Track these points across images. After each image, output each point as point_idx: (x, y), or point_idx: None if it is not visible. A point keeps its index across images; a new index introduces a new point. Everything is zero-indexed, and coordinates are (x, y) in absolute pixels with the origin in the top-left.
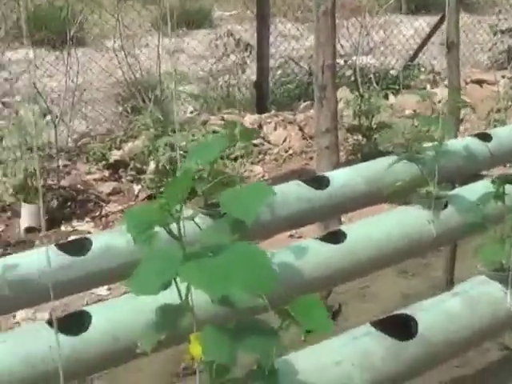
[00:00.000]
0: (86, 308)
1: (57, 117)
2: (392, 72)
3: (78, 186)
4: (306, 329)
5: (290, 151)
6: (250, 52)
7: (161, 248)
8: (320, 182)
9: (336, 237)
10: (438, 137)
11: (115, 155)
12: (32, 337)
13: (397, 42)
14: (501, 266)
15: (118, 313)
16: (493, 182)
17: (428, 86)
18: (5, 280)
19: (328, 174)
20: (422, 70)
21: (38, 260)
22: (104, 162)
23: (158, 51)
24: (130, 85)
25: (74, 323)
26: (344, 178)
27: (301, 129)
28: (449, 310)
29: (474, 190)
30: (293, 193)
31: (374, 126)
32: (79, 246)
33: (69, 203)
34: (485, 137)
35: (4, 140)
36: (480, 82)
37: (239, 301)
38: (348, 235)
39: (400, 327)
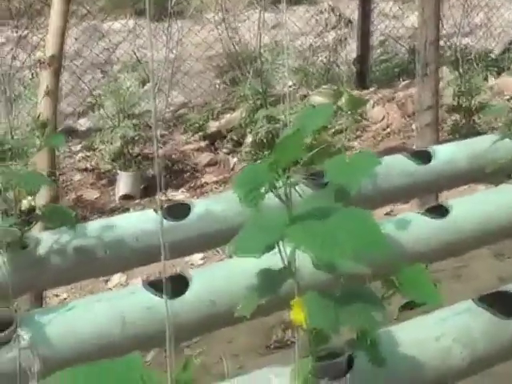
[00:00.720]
0: (183, 272)
1: (156, 84)
2: (492, 54)
3: (175, 156)
4: (413, 299)
5: (389, 129)
6: (351, 29)
7: (267, 210)
8: (423, 156)
9: (439, 211)
10: None
11: (213, 126)
12: (127, 297)
13: (498, 25)
14: None
15: (215, 277)
16: None
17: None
18: (102, 241)
19: (431, 148)
20: None
21: (135, 223)
22: (201, 133)
23: (258, 23)
24: (230, 56)
25: (173, 286)
26: (447, 154)
27: (400, 107)
28: None
29: None
30: (396, 166)
31: (474, 107)
32: (178, 211)
33: (165, 173)
34: None
35: (102, 108)
36: None
37: (344, 267)
38: (451, 210)
39: (503, 304)
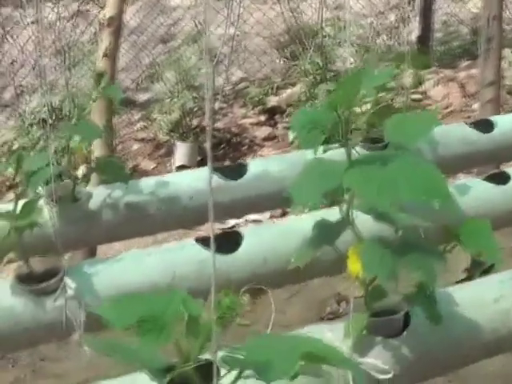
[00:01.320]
0: (238, 229)
1: (215, 56)
2: None
3: (233, 128)
4: (473, 253)
5: (450, 108)
6: (414, 8)
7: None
8: (485, 125)
9: (500, 178)
10: None
11: (272, 101)
12: (179, 251)
13: None
14: None
15: (269, 235)
16: None
17: None
18: (156, 198)
19: (493, 118)
20: None
21: (189, 181)
22: (260, 107)
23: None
24: (291, 31)
25: (226, 243)
26: (511, 123)
27: (462, 86)
28: None
29: None
30: (457, 134)
31: None
32: (235, 170)
33: (223, 145)
34: None
35: (162, 80)
36: None
37: (401, 217)
38: None
39: None
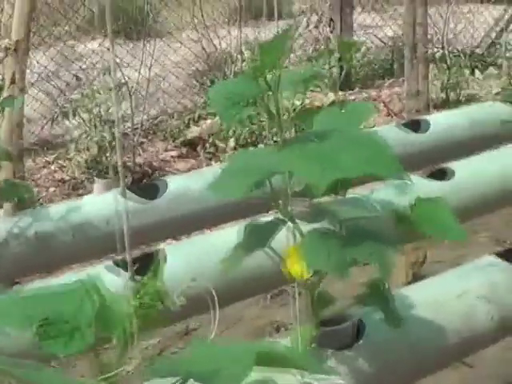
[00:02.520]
0: (160, 248)
1: (132, 87)
2: (478, 50)
3: (155, 163)
4: (433, 235)
5: (375, 128)
6: (333, 29)
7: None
8: (420, 126)
9: (443, 174)
10: None
11: (193, 132)
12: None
13: (482, 29)
14: None
15: (194, 252)
16: None
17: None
18: (68, 224)
19: (428, 116)
20: (510, 47)
21: (105, 204)
22: (181, 139)
23: (239, 35)
24: (209, 60)
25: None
26: (445, 121)
27: (385, 105)
28: None
29: None
30: (391, 136)
31: (463, 99)
32: (153, 189)
33: (144, 180)
34: None
35: (78, 115)
36: None
37: (345, 212)
38: (455, 173)
39: None
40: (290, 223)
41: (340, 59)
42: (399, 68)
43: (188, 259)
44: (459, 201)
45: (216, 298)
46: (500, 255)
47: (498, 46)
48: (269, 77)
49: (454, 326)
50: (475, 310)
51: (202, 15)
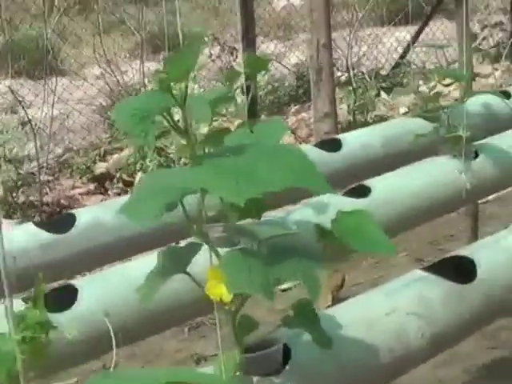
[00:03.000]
0: (72, 282)
1: (36, 125)
2: (383, 72)
3: (63, 201)
4: (360, 250)
5: None
6: (236, 58)
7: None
8: (332, 145)
9: (360, 191)
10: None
11: (100, 167)
12: None
13: (386, 50)
14: None
15: (108, 284)
16: None
17: (421, 82)
18: None
19: (339, 136)
20: (414, 67)
21: (14, 240)
22: (89, 176)
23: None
24: (113, 94)
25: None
26: (357, 139)
27: (293, 132)
28: (510, 247)
29: (505, 139)
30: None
31: (370, 121)
32: (61, 223)
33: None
34: (505, 94)
35: None
36: (473, 76)
37: (264, 232)
38: (373, 189)
39: (453, 271)
40: (206, 246)
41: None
42: (304, 94)
43: (101, 292)
44: (378, 217)
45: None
46: (427, 269)
47: (402, 67)
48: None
49: (385, 344)
50: (406, 328)
51: (104, 50)
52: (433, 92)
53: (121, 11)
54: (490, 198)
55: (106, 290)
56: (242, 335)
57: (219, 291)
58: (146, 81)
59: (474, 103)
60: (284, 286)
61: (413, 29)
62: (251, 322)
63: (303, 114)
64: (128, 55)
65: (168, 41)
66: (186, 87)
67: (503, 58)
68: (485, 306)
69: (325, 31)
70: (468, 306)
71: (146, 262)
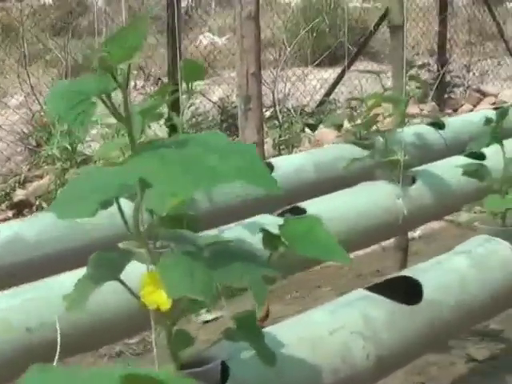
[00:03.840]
0: None
1: None
2: (307, 109)
3: None
4: (310, 256)
5: None
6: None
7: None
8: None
9: (294, 212)
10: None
11: (19, 195)
12: None
13: (311, 88)
14: (502, 221)
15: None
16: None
17: (345, 121)
18: None
19: (272, 159)
20: (339, 105)
21: None
22: (7, 203)
23: None
24: (34, 118)
25: None
26: (290, 163)
27: None
28: (455, 270)
29: (441, 166)
30: None
31: None
32: None
33: None
34: (438, 124)
35: None
36: None
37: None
38: (308, 211)
39: (397, 292)
40: (142, 250)
41: (169, 119)
42: (228, 128)
43: (25, 307)
44: None
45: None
46: (371, 288)
47: (327, 104)
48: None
49: (330, 364)
50: (350, 347)
51: (28, 76)
52: (366, 119)
53: (45, 40)
54: (416, 235)
55: (31, 304)
56: (177, 350)
57: (156, 298)
58: None
59: (408, 133)
60: (207, 318)
61: (337, 70)
62: (187, 337)
63: None
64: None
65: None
66: (129, 68)
67: (429, 98)
68: (431, 328)
69: (255, 60)
70: (415, 328)
71: (74, 276)
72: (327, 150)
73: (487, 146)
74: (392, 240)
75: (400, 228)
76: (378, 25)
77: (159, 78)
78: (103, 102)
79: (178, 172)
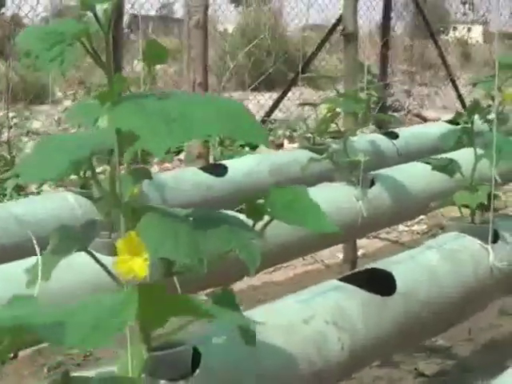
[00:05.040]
0: None
1: None
2: None
3: None
4: (296, 225)
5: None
6: None
7: None
8: (217, 170)
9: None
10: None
11: None
12: None
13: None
14: (471, 218)
15: None
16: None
17: (285, 142)
18: None
19: (225, 162)
20: (278, 125)
21: None
22: None
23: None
24: None
25: None
26: (244, 166)
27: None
28: (427, 263)
29: (401, 170)
30: (188, 179)
31: None
32: None
33: None
34: (391, 134)
35: None
36: None
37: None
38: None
39: (368, 284)
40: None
41: None
42: None
43: None
44: (271, 239)
45: None
46: (343, 279)
47: (268, 124)
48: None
49: (305, 354)
50: (325, 336)
51: None
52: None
53: None
54: (359, 253)
55: None
56: (148, 330)
57: (133, 265)
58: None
59: (363, 140)
60: None
61: (274, 95)
62: (158, 313)
63: (167, 164)
64: None
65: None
66: (113, 8)
67: (370, 122)
68: (406, 320)
69: (202, 70)
70: (389, 320)
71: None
72: (282, 153)
73: (456, 142)
74: (337, 257)
75: (358, 230)
76: (323, 42)
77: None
78: (83, 44)
79: (161, 123)
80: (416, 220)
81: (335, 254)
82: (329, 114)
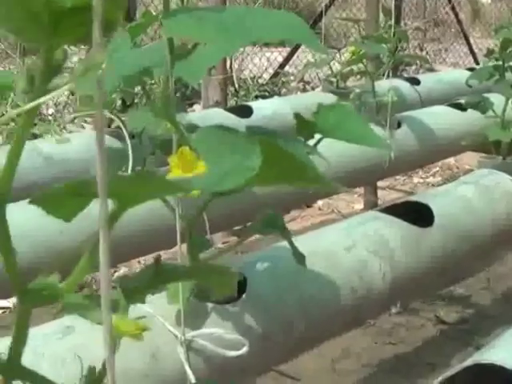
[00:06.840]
0: None
1: None
2: (261, 80)
3: None
4: (348, 141)
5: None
6: None
7: None
8: (243, 111)
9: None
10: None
11: None
12: None
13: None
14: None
15: None
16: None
17: (299, 93)
18: None
19: (251, 103)
20: (292, 78)
21: None
22: None
23: None
24: None
25: None
26: (269, 107)
27: None
28: (463, 196)
29: (426, 112)
30: (214, 120)
31: None
32: None
33: None
34: (414, 80)
35: None
36: None
37: None
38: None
39: (407, 216)
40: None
41: None
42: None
43: None
44: None
45: None
46: (383, 210)
47: (281, 76)
48: None
49: (348, 281)
50: (367, 265)
51: None
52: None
53: None
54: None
55: None
56: (195, 251)
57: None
58: None
59: (384, 85)
60: None
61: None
62: (204, 240)
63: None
64: None
65: None
66: None
67: (384, 76)
68: (442, 253)
69: (220, 90)
70: (428, 251)
71: None
72: (306, 96)
73: (489, 78)
74: (351, 207)
75: (384, 173)
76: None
77: None
78: None
79: (220, 29)
80: (430, 172)
81: (350, 204)
82: (353, 58)
